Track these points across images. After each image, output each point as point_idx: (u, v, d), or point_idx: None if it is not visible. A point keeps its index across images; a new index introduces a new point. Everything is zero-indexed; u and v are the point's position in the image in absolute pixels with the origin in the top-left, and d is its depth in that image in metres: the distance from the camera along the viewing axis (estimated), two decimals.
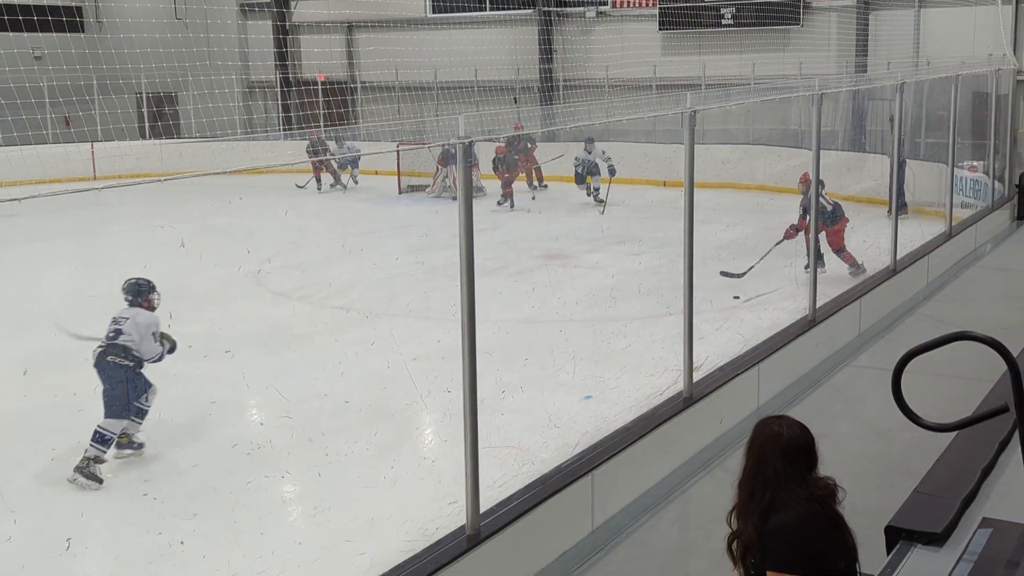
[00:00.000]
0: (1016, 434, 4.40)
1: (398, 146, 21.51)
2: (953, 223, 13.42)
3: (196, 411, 8.48)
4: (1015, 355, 4.21)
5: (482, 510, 5.28)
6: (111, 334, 7.46)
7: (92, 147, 23.26)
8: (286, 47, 28.14)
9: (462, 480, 5.20)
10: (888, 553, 4.92)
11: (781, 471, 3.42)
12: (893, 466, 6.75)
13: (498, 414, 7.65)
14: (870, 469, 6.81)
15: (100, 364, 7.41)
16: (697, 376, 7.34)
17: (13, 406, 8.38)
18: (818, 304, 9.44)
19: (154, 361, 7.54)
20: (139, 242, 15.96)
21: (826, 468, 3.57)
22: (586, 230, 16.43)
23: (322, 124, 25.01)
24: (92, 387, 7.43)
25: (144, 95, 27.23)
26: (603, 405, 8.17)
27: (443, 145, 18.73)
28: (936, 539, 4.93)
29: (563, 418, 7.94)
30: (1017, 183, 16.66)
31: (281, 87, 28.24)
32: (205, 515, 6.51)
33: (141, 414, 7.56)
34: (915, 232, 12.66)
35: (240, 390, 9.11)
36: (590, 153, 19.17)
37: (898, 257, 11.25)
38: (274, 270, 14.00)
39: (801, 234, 11.73)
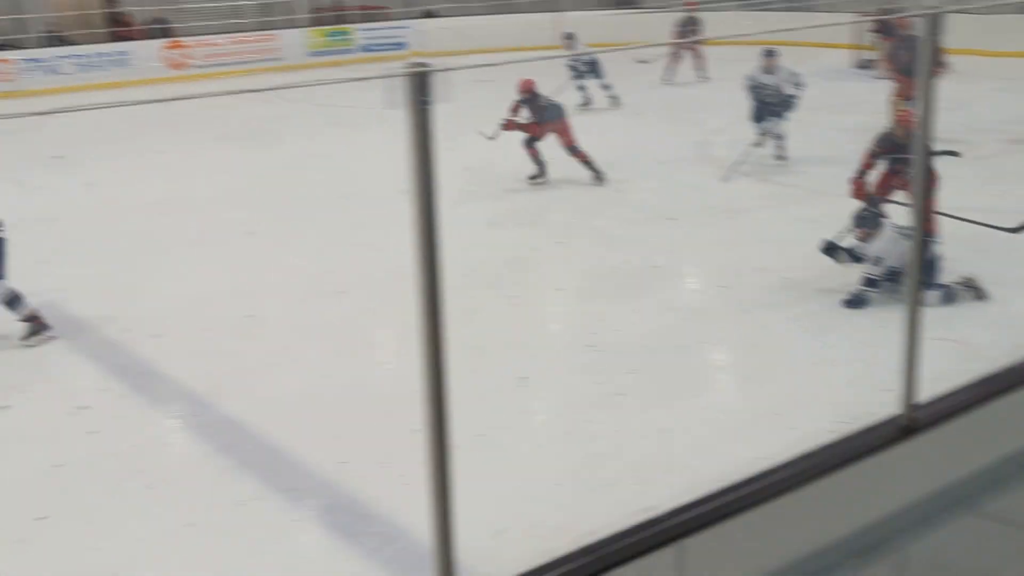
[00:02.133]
0: None
1: (854, 18, 20.37)
2: None
3: (638, 273, 8.91)
4: None
5: (919, 401, 5.13)
6: None
7: (559, 17, 23.94)
8: None
9: (897, 368, 5.09)
10: None
11: None
12: None
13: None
14: None
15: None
16: None
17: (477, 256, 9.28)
18: None
19: None
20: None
21: None
22: None
23: None
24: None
25: None
26: None
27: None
28: None
29: (1020, 317, 7.41)
30: None
31: None
32: (643, 371, 6.91)
33: None
34: None
35: (681, 256, 9.45)
36: (771, 72, 12.71)
37: None
38: (720, 143, 14.09)
39: None
